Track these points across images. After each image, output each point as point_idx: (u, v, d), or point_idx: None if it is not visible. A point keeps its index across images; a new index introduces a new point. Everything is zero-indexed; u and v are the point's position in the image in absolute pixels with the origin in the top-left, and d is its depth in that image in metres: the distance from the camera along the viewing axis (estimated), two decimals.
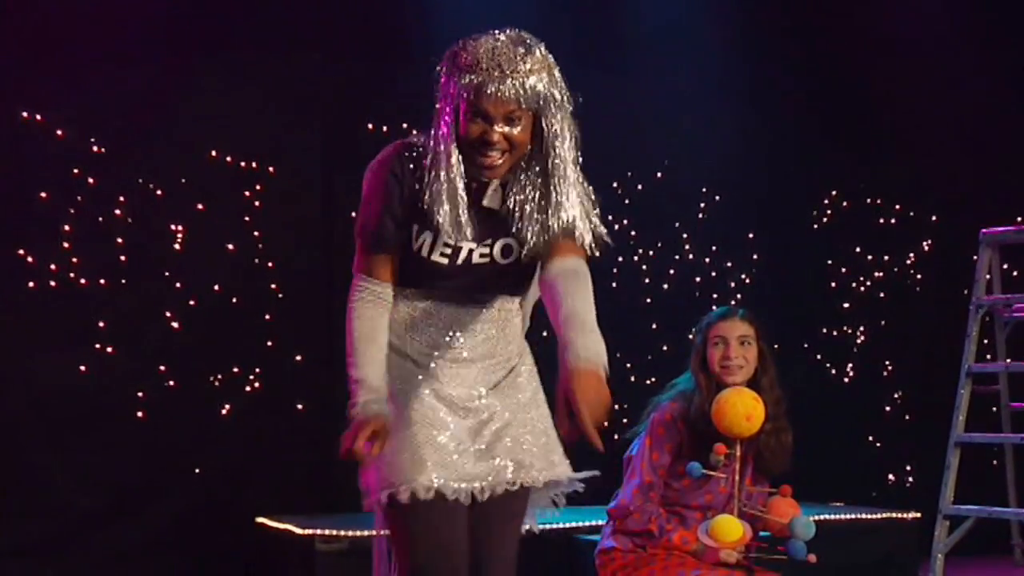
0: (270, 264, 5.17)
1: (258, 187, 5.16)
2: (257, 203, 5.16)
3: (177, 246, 5.01)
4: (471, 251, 2.34)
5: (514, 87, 2.22)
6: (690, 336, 3.40)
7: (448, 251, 2.33)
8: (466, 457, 2.34)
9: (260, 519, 4.75)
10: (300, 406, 5.16)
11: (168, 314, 4.97)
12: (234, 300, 5.08)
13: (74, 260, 4.85)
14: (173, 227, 5.00)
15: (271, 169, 5.19)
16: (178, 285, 4.99)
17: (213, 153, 5.08)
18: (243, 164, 5.14)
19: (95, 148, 4.90)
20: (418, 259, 2.34)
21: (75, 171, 4.87)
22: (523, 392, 2.47)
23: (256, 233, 5.15)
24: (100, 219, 4.89)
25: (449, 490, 2.30)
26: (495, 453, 2.37)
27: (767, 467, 3.17)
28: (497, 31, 2.28)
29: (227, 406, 5.03)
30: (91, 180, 4.89)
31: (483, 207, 2.33)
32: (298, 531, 4.28)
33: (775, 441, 3.15)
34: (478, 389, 2.41)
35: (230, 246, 5.10)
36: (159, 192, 4.98)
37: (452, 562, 2.31)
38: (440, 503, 2.30)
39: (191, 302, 5.00)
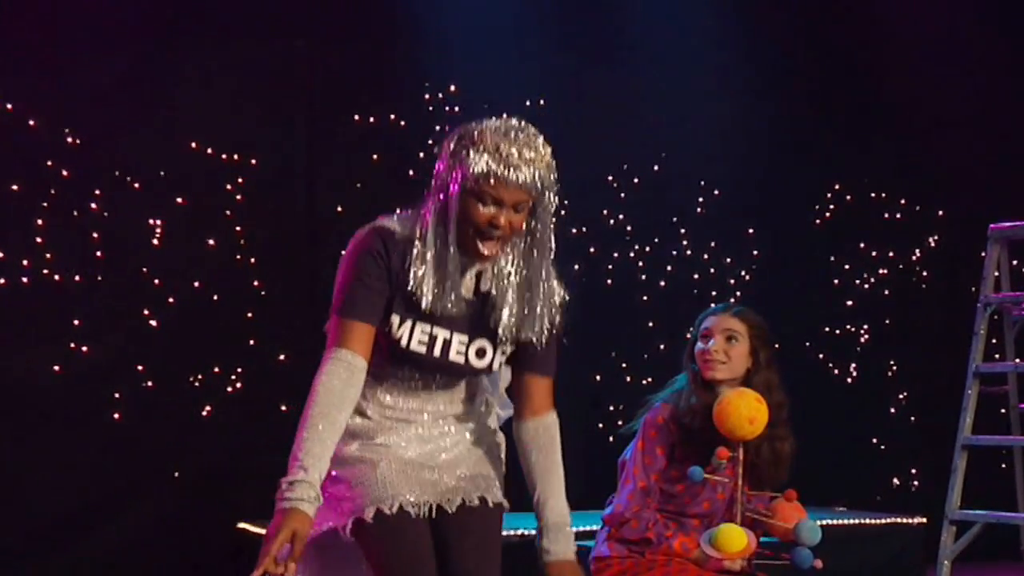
0: (252, 260, 5.14)
1: (240, 180, 5.13)
2: (239, 197, 5.13)
3: (155, 241, 4.97)
4: (447, 342, 2.46)
5: (531, 176, 2.36)
6: (687, 334, 3.38)
7: (425, 339, 2.45)
8: (423, 481, 2.49)
9: (242, 524, 4.72)
10: (283, 407, 5.12)
11: (146, 312, 4.94)
12: (215, 297, 5.05)
13: (47, 256, 4.81)
14: (151, 221, 4.97)
15: (253, 161, 5.16)
16: (156, 282, 4.96)
17: (193, 144, 5.05)
18: (224, 156, 5.11)
19: (69, 139, 4.86)
20: (397, 347, 2.45)
21: (48, 163, 4.83)
22: (480, 436, 2.63)
23: (238, 228, 5.12)
24: (75, 213, 4.86)
25: (410, 505, 2.43)
26: (450, 477, 2.52)
27: (760, 477, 3.11)
28: (500, 119, 2.41)
29: (207, 407, 5.00)
30: (65, 172, 4.85)
31: (463, 295, 2.46)
32: None
33: (768, 450, 3.09)
34: (436, 437, 2.56)
35: (211, 241, 5.07)
36: (136, 185, 4.95)
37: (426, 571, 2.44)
38: (405, 518, 2.43)
39: (170, 299, 4.97)
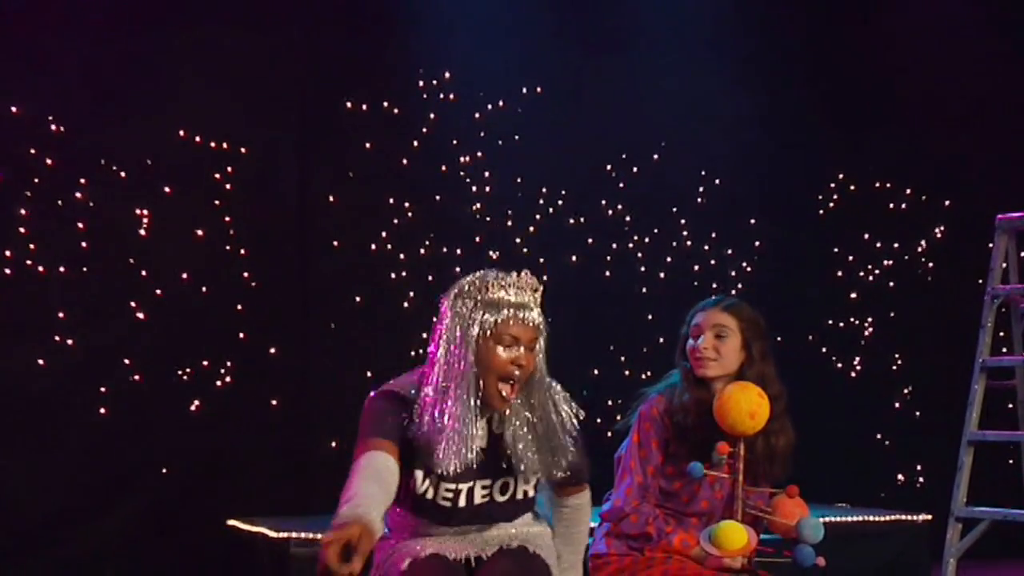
0: (242, 251, 5.13)
1: (229, 169, 5.12)
2: (228, 186, 5.12)
3: (142, 232, 4.96)
4: (471, 490, 2.61)
5: (539, 315, 2.60)
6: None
7: (449, 495, 2.59)
8: (461, 543, 2.65)
9: (231, 521, 4.72)
10: (274, 401, 5.12)
11: (133, 304, 4.92)
12: (204, 289, 5.04)
13: (31, 246, 4.79)
14: (138, 211, 4.96)
15: (243, 150, 5.15)
16: (143, 273, 4.94)
17: (181, 132, 5.04)
18: (213, 144, 5.10)
19: (53, 127, 4.85)
20: (423, 500, 2.59)
21: (32, 151, 4.81)
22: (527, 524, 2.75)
23: (227, 218, 5.12)
24: (59, 203, 4.84)
25: (446, 551, 2.59)
26: (491, 536, 2.68)
27: (755, 472, 3.10)
28: (482, 271, 2.60)
29: (196, 402, 4.99)
30: (49, 161, 4.83)
31: (480, 445, 2.60)
32: (272, 534, 4.24)
33: (763, 444, 3.09)
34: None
35: (199, 232, 5.06)
36: (123, 174, 4.93)
37: None
38: (440, 559, 2.57)
39: (157, 291, 4.96)
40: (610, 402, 5.50)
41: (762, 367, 3.13)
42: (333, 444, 5.17)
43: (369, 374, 5.29)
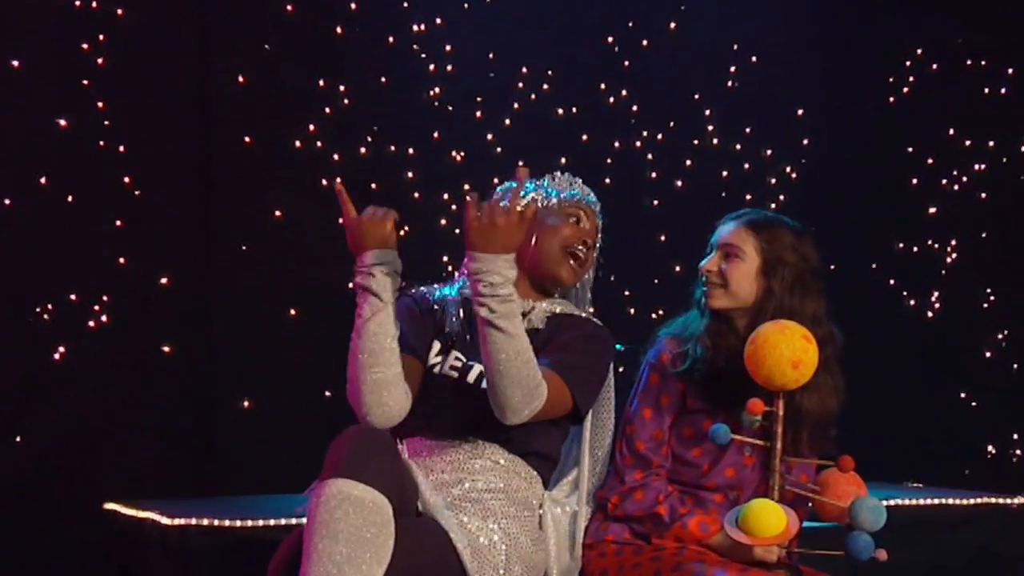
0: (121, 148, 5.12)
1: (101, 37, 5.08)
2: (100, 60, 5.08)
3: None
4: (481, 374, 3.04)
5: (598, 208, 3.34)
6: None
7: (459, 365, 3.13)
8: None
9: (111, 505, 4.71)
10: (166, 348, 5.12)
11: None
12: (69, 199, 5.03)
13: None
14: None
15: (120, 11, 5.10)
16: None
17: None
18: (79, 3, 5.04)
19: None
20: (431, 376, 3.14)
21: None
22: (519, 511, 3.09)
23: (99, 104, 5.10)
24: None
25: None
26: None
27: (793, 440, 3.13)
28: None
29: (61, 348, 4.99)
30: None
31: None
32: (165, 521, 4.25)
33: (806, 403, 3.12)
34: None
35: (61, 122, 5.03)
36: None
37: None
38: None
39: (5, 201, 4.93)
40: None
41: (790, 302, 3.15)
42: (245, 403, 5.18)
43: (293, 312, 5.29)
